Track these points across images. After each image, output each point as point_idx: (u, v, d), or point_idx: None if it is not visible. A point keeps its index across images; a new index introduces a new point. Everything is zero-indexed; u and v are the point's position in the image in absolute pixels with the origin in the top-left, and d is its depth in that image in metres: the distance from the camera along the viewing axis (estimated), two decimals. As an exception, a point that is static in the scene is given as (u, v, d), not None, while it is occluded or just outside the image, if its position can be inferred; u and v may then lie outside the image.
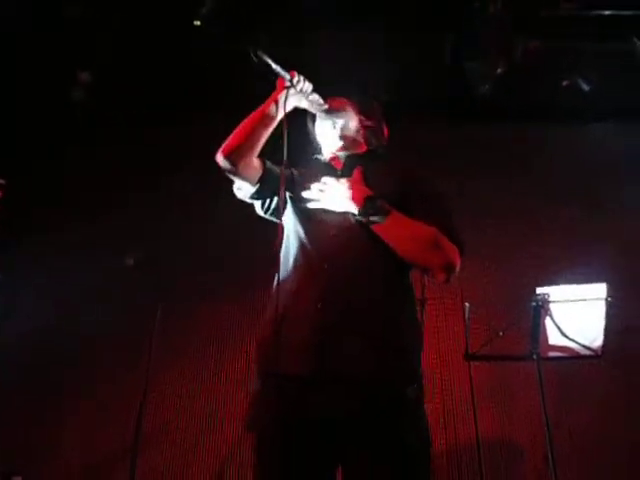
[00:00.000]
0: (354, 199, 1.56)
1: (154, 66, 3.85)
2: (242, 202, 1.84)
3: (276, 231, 1.65)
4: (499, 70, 3.87)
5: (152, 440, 3.38)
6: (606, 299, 2.71)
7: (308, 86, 1.66)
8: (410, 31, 3.71)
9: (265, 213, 1.81)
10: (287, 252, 1.66)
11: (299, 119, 1.86)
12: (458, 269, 1.54)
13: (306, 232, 1.63)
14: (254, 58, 1.54)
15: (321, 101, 1.72)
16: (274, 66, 1.59)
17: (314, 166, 1.83)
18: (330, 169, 1.79)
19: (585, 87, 3.88)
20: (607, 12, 3.59)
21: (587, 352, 2.76)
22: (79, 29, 3.58)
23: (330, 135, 1.81)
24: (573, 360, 2.86)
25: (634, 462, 3.27)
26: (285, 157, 1.61)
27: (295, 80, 1.62)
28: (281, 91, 1.64)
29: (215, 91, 3.94)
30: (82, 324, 3.68)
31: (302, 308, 1.50)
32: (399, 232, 1.52)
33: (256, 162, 1.69)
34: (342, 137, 1.79)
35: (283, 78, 1.63)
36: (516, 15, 3.60)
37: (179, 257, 3.66)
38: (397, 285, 1.59)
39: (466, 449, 3.40)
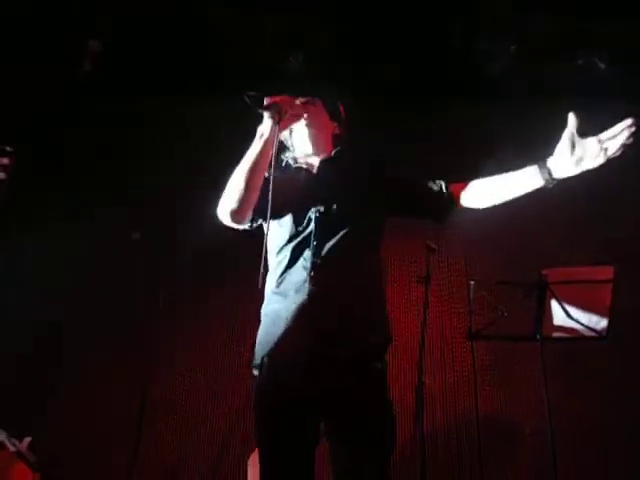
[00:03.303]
0: None
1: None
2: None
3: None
4: (512, 48, 3.80)
5: (157, 413, 3.43)
6: (613, 281, 2.69)
7: (292, 110, 1.67)
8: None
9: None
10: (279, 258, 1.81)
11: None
12: None
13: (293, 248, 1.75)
14: (247, 100, 1.59)
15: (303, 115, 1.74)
16: (260, 111, 1.61)
17: (290, 172, 1.87)
18: (306, 173, 1.86)
19: (601, 66, 3.80)
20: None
21: (591, 333, 2.75)
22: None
23: (304, 140, 1.84)
24: (577, 341, 2.85)
25: (635, 444, 3.29)
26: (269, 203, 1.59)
27: (284, 111, 1.62)
28: (268, 127, 1.63)
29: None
30: (88, 300, 3.69)
31: (292, 308, 1.68)
32: None
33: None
34: (315, 142, 1.84)
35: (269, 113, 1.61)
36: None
37: (184, 237, 3.64)
38: (376, 286, 1.78)
39: (466, 426, 3.43)
